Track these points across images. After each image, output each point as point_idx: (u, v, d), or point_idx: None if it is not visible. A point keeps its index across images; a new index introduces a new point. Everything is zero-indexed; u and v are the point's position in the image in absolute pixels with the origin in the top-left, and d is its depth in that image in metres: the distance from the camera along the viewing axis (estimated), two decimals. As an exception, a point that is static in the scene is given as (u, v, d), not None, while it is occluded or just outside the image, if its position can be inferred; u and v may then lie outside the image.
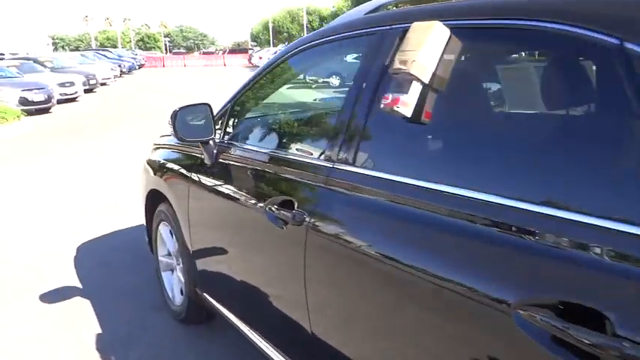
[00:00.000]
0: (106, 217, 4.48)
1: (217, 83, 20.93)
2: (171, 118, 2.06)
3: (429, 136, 1.30)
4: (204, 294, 2.32)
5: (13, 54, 28.54)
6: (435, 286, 1.08)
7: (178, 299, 2.70)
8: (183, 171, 2.40)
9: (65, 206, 4.86)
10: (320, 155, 1.57)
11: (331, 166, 1.46)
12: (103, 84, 19.87)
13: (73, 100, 14.84)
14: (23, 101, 11.75)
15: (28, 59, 17.86)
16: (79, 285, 3.19)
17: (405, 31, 1.32)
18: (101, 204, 4.87)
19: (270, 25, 59.03)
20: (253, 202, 1.84)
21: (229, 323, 2.12)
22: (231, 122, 2.16)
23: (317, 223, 1.43)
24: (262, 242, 1.80)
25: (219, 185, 2.08)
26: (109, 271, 3.39)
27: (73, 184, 5.71)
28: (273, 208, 1.63)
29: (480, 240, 1.05)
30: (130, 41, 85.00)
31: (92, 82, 17.92)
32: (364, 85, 1.43)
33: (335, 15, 46.50)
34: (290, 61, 1.90)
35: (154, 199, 2.80)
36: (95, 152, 7.46)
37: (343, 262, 1.36)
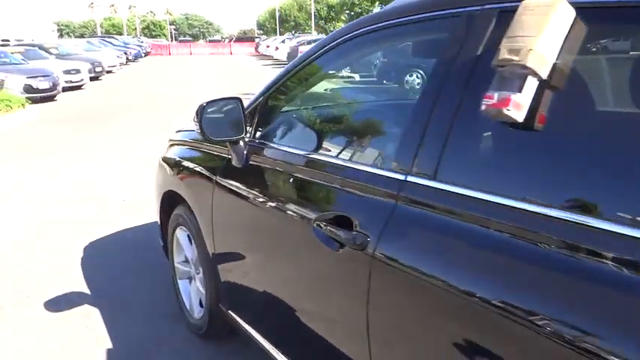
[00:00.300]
0: (114, 213, 4.24)
1: (227, 72, 20.64)
2: (196, 113, 1.80)
3: (543, 147, 1.02)
4: (230, 312, 2.06)
5: (18, 40, 28.32)
6: (548, 340, 0.83)
7: (198, 312, 2.45)
8: (205, 172, 2.13)
9: (70, 200, 4.61)
10: (385, 163, 1.30)
11: (403, 178, 1.19)
12: (109, 72, 19.59)
13: (79, 87, 14.56)
14: (28, 89, 11.44)
15: (34, 46, 17.54)
16: (86, 290, 2.95)
17: (505, 11, 1.05)
18: (108, 199, 4.62)
19: (277, 14, 58.44)
20: (295, 215, 1.57)
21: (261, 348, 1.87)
22: (264, 119, 1.88)
23: (386, 251, 1.17)
24: (307, 263, 1.53)
25: (250, 191, 1.81)
26: (117, 273, 3.15)
27: (79, 176, 5.46)
28: (322, 225, 1.37)
29: (616, 289, 0.80)
30: (136, 29, 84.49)
31: (98, 69, 17.59)
32: (446, 79, 1.16)
33: (344, 4, 45.72)
34: (336, 50, 1.61)
35: (170, 201, 2.55)
36: (102, 143, 7.21)
37: (421, 301, 1.10)
